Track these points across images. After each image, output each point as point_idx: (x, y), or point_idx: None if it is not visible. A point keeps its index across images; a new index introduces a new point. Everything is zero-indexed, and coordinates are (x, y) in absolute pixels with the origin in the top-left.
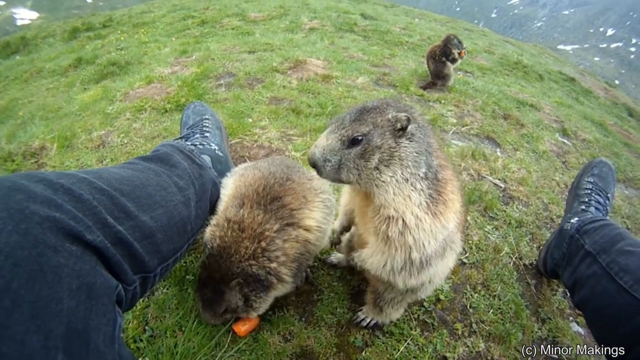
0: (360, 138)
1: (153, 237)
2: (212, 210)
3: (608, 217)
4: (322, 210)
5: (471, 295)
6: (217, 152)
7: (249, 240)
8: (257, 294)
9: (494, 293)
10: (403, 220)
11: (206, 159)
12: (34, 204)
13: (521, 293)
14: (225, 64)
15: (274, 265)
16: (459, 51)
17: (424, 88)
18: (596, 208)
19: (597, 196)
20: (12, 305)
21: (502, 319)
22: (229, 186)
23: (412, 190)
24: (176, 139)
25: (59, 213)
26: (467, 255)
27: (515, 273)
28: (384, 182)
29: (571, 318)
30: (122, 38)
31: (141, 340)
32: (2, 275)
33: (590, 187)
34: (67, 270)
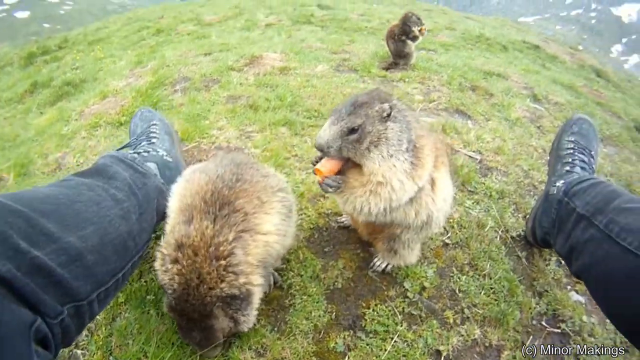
0: (356, 128)
1: (82, 259)
2: (162, 219)
3: (596, 175)
4: (280, 211)
5: (459, 278)
6: (165, 157)
7: (206, 262)
8: (242, 310)
9: (484, 272)
10: (391, 185)
11: (151, 166)
12: None
13: (512, 268)
14: (180, 69)
15: (242, 280)
16: (419, 28)
17: (386, 69)
18: (581, 167)
19: (580, 155)
20: None
21: (495, 300)
22: (175, 196)
23: (396, 161)
24: (120, 148)
25: None
26: (449, 235)
27: (503, 247)
28: (372, 157)
29: (569, 287)
30: (77, 57)
31: None
32: None
33: (572, 146)
34: None
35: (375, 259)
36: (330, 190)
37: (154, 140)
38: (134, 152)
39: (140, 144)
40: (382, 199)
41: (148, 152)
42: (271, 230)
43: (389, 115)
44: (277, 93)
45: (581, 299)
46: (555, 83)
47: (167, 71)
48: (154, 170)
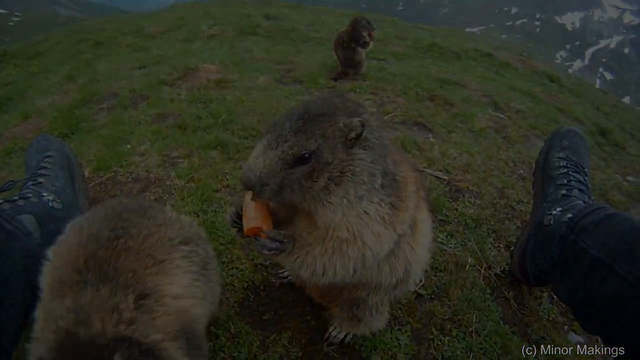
0: (307, 155)
1: None
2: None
3: (604, 203)
4: (188, 269)
5: (440, 340)
6: (50, 204)
7: (106, 311)
8: None
9: (470, 328)
10: (362, 240)
11: (26, 220)
12: None
13: (502, 316)
14: (111, 84)
15: (157, 336)
16: (368, 32)
17: (335, 79)
18: (579, 190)
19: (575, 174)
20: None
21: None
22: (48, 264)
23: (368, 205)
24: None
25: None
26: (422, 283)
27: (488, 290)
28: (332, 203)
29: (566, 327)
30: (13, 72)
31: None
32: None
33: (564, 164)
34: None
35: (332, 328)
36: (270, 253)
37: (41, 179)
38: (6, 201)
39: (26, 184)
40: (351, 259)
41: (27, 198)
42: (181, 293)
43: (358, 136)
44: (210, 109)
45: (581, 339)
46: (513, 90)
47: (95, 87)
48: (28, 226)
